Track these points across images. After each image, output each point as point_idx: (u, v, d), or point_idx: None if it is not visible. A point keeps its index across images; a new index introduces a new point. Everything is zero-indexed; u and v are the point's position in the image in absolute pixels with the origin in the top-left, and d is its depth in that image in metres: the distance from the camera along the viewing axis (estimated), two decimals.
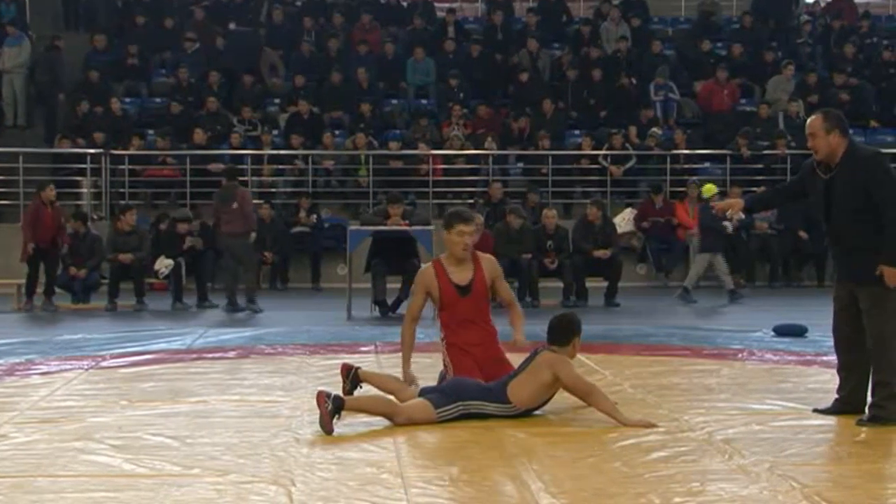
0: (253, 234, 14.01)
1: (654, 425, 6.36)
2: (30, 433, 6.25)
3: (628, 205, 17.39)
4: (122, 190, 17.36)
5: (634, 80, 19.22)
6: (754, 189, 17.21)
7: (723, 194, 17.30)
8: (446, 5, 21.70)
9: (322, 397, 6.25)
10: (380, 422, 6.44)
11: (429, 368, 7.79)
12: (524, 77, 19.14)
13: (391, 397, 6.74)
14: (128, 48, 19.89)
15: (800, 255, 16.69)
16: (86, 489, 5.05)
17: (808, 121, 6.63)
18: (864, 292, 6.47)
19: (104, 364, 8.85)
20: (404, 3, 21.90)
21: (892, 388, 6.45)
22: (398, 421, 6.35)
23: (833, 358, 9.08)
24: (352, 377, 7.12)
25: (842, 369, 6.77)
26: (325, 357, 9.17)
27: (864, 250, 6.42)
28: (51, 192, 13.90)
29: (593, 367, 8.40)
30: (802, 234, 16.48)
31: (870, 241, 6.40)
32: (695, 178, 17.40)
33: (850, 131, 6.69)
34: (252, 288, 13.48)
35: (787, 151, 17.45)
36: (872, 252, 6.39)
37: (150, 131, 18.17)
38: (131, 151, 17.43)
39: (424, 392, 6.65)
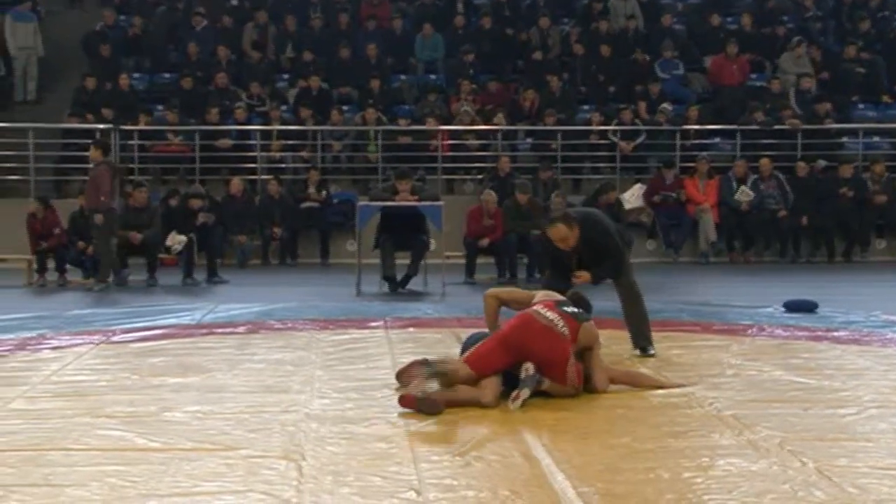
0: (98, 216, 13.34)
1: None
2: (41, 407, 6.27)
3: (637, 180, 17.32)
4: (131, 165, 17.36)
5: (648, 57, 19.14)
6: (754, 166, 17.12)
7: (729, 168, 17.31)
8: None
9: (411, 399, 6.09)
10: (386, 398, 6.46)
11: (437, 344, 7.88)
12: (538, 55, 19.07)
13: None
14: (135, 23, 19.86)
15: (810, 231, 16.62)
16: (98, 463, 5.06)
17: (554, 230, 7.65)
18: None
19: (115, 339, 8.87)
20: None
21: None
22: (488, 403, 6.24)
23: (843, 333, 9.10)
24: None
25: None
26: (335, 332, 9.18)
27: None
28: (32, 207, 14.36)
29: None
30: (804, 219, 16.43)
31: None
32: (704, 153, 17.36)
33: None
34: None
35: (800, 126, 17.35)
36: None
37: (160, 107, 18.15)
38: (140, 126, 17.44)
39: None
